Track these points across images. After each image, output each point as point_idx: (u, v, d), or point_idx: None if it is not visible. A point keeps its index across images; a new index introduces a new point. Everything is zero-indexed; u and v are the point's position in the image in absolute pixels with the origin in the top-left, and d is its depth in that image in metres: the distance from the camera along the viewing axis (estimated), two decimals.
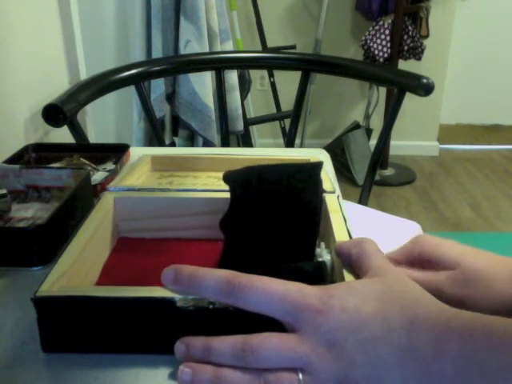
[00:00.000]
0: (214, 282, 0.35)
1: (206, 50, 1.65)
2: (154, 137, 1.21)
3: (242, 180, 0.48)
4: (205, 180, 0.67)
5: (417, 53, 2.58)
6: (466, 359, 0.30)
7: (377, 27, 2.56)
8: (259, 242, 0.45)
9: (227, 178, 0.49)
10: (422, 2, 2.55)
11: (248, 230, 0.46)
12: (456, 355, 0.30)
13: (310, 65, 1.19)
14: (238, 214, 0.47)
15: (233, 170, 0.50)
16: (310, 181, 0.47)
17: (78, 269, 0.43)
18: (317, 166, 0.49)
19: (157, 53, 1.64)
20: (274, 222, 0.45)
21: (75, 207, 0.57)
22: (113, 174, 0.68)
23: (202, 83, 1.66)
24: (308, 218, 0.45)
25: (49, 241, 0.51)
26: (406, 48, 2.57)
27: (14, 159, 0.70)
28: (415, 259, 0.43)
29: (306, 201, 0.45)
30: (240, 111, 1.80)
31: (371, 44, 2.56)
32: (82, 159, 0.75)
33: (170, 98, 1.73)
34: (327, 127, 3.12)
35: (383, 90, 2.78)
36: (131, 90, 1.16)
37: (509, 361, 0.29)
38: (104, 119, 1.83)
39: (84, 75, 1.38)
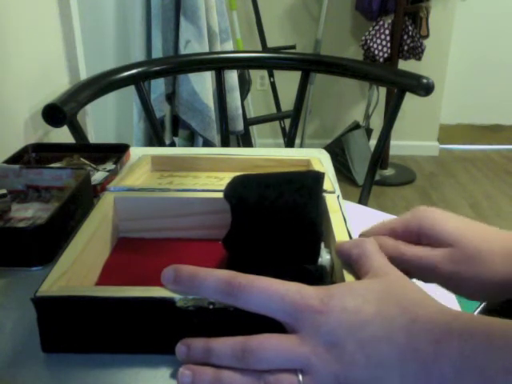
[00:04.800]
0: (214, 282, 0.35)
1: (206, 49, 1.65)
2: (154, 137, 1.21)
3: (242, 199, 0.48)
4: (205, 180, 0.67)
5: (417, 53, 2.58)
6: (466, 361, 0.30)
7: (377, 27, 2.56)
8: (262, 258, 0.45)
9: (227, 195, 0.49)
10: (422, 1, 2.55)
11: (251, 248, 0.46)
12: (456, 357, 0.30)
13: (310, 65, 1.19)
14: (240, 231, 0.47)
15: (233, 186, 0.50)
16: (311, 197, 0.47)
17: (78, 269, 0.43)
18: (317, 181, 0.49)
19: (157, 53, 1.64)
20: (276, 239, 0.46)
21: (75, 207, 0.57)
22: (113, 173, 0.68)
23: (202, 83, 1.66)
24: (310, 235, 0.45)
25: (49, 241, 0.51)
26: (406, 48, 2.57)
27: (14, 159, 0.70)
28: (413, 232, 0.43)
29: (308, 218, 0.45)
30: (240, 111, 1.80)
31: (371, 44, 2.56)
32: (82, 159, 0.75)
33: (170, 98, 1.73)
34: (327, 127, 3.12)
35: (383, 90, 2.78)
36: (131, 90, 1.16)
37: (509, 364, 0.29)
38: (104, 119, 1.83)
39: (84, 75, 1.38)
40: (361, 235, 0.46)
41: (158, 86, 1.67)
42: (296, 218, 0.46)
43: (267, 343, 0.32)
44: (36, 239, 0.50)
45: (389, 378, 0.31)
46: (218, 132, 1.73)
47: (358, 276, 0.38)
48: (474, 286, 0.40)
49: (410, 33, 2.55)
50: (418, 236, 0.43)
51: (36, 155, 0.75)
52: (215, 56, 1.27)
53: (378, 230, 0.45)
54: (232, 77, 1.74)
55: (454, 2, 2.84)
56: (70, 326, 0.37)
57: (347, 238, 0.45)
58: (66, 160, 0.74)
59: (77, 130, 0.98)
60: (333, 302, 0.33)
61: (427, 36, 2.61)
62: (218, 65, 1.20)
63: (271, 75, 2.63)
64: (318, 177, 0.50)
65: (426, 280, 0.42)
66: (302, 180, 0.49)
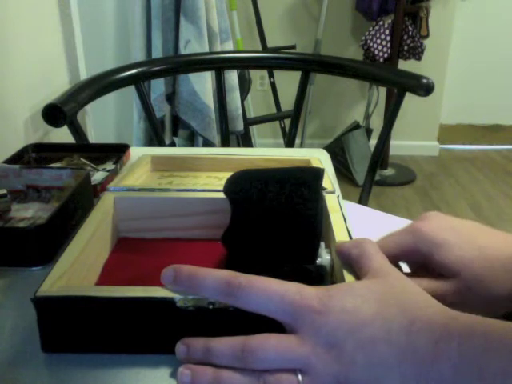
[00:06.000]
0: (214, 281, 0.35)
1: (206, 50, 1.65)
2: (154, 137, 1.21)
3: (242, 194, 0.48)
4: (205, 180, 0.67)
5: (417, 53, 2.58)
6: (465, 361, 0.30)
7: (377, 27, 2.56)
8: (261, 255, 0.46)
9: (227, 191, 0.49)
10: (422, 1, 2.55)
11: (250, 245, 0.46)
12: (455, 357, 0.30)
13: (310, 65, 1.19)
14: (239, 228, 0.47)
15: (233, 181, 0.50)
16: (311, 194, 0.47)
17: (78, 269, 0.43)
18: (317, 177, 0.49)
19: (157, 53, 1.64)
20: (275, 235, 0.46)
21: (75, 207, 0.57)
22: (113, 173, 0.68)
23: (202, 83, 1.66)
24: (309, 231, 0.45)
25: (49, 241, 0.51)
26: (406, 48, 2.57)
27: (14, 159, 0.70)
28: (415, 259, 0.43)
29: (307, 214, 0.45)
30: (240, 111, 1.80)
31: (371, 44, 2.56)
32: (82, 159, 0.75)
33: (170, 98, 1.73)
34: (327, 127, 3.12)
35: (383, 90, 2.78)
36: (131, 90, 1.16)
37: (508, 365, 0.29)
38: (104, 119, 1.83)
39: (84, 75, 1.38)
40: None
41: (158, 86, 1.67)
42: (295, 213, 0.46)
43: (267, 343, 0.32)
44: (36, 239, 0.50)
45: (388, 378, 0.31)
46: (218, 132, 1.73)
47: (358, 276, 0.38)
48: (479, 308, 0.39)
49: (410, 33, 2.55)
50: (423, 259, 0.42)
51: (36, 155, 0.75)
52: (215, 56, 1.27)
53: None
54: (232, 77, 1.74)
55: (454, 2, 2.84)
56: (70, 326, 0.37)
57: (347, 238, 0.45)
58: (66, 160, 0.74)
59: (77, 130, 0.98)
60: (332, 303, 0.33)
61: (427, 36, 2.61)
62: (218, 65, 1.20)
63: (271, 75, 2.63)
64: (318, 173, 0.50)
65: None
66: (302, 176, 0.50)
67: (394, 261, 0.43)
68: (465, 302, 0.40)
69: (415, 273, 0.43)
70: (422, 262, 0.42)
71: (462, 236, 0.41)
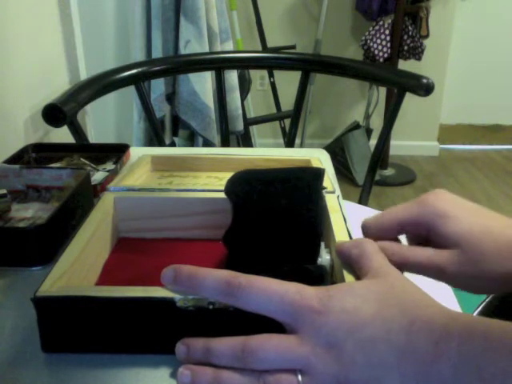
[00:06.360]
0: (214, 281, 0.35)
1: (206, 50, 1.65)
2: (154, 137, 1.21)
3: (243, 195, 0.48)
4: (205, 180, 0.67)
5: (417, 53, 2.58)
6: (465, 362, 0.30)
7: (377, 27, 2.56)
8: (261, 255, 0.46)
9: (228, 192, 0.49)
10: (422, 1, 2.55)
11: (250, 245, 0.46)
12: (454, 357, 0.30)
13: (310, 65, 1.19)
14: (240, 228, 0.47)
15: (234, 182, 0.50)
16: (311, 194, 0.47)
17: (78, 269, 0.43)
18: (317, 178, 0.49)
19: (157, 53, 1.64)
20: (275, 235, 0.46)
21: (75, 207, 0.57)
22: (113, 173, 0.68)
23: (202, 83, 1.66)
24: (309, 232, 0.45)
25: (49, 241, 0.51)
26: (406, 48, 2.57)
27: (14, 159, 0.70)
28: (421, 228, 0.42)
29: (308, 214, 0.46)
30: (240, 111, 1.80)
31: (371, 44, 2.56)
32: (82, 159, 0.75)
33: (170, 98, 1.73)
34: (327, 127, 3.12)
35: (383, 90, 2.78)
36: (131, 90, 1.16)
37: (507, 365, 0.29)
38: (104, 119, 1.83)
39: (84, 75, 1.38)
40: (364, 225, 0.44)
41: (158, 86, 1.67)
42: (296, 213, 0.46)
43: (267, 343, 0.32)
44: (36, 239, 0.50)
45: (388, 378, 0.31)
46: (218, 132, 1.73)
47: (358, 276, 0.38)
48: (481, 283, 0.39)
49: (410, 33, 2.54)
50: (426, 231, 0.42)
51: (36, 155, 0.75)
52: (215, 56, 1.27)
53: (385, 223, 0.43)
54: (232, 77, 1.74)
55: (454, 2, 2.84)
56: (70, 326, 0.37)
57: (347, 238, 0.45)
58: (66, 160, 0.74)
59: (77, 130, 0.98)
60: (332, 303, 0.33)
61: (427, 36, 2.61)
62: (218, 65, 1.20)
63: (271, 75, 2.63)
64: (318, 173, 0.50)
65: (431, 278, 0.41)
66: (302, 176, 0.50)
67: (400, 230, 0.43)
68: (466, 276, 0.39)
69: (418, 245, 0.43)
70: (425, 235, 0.42)
71: (469, 211, 0.41)
